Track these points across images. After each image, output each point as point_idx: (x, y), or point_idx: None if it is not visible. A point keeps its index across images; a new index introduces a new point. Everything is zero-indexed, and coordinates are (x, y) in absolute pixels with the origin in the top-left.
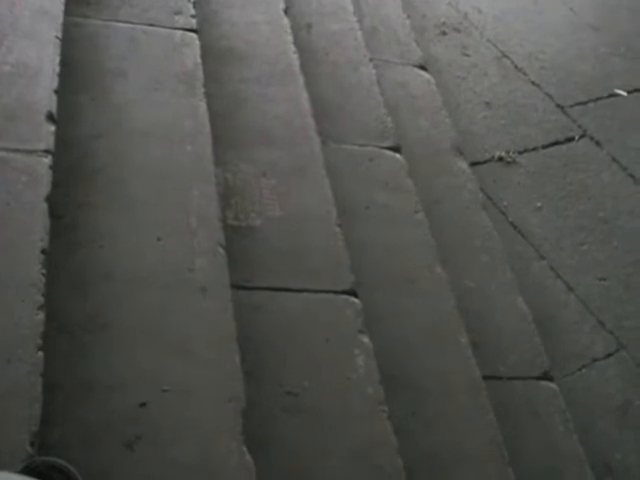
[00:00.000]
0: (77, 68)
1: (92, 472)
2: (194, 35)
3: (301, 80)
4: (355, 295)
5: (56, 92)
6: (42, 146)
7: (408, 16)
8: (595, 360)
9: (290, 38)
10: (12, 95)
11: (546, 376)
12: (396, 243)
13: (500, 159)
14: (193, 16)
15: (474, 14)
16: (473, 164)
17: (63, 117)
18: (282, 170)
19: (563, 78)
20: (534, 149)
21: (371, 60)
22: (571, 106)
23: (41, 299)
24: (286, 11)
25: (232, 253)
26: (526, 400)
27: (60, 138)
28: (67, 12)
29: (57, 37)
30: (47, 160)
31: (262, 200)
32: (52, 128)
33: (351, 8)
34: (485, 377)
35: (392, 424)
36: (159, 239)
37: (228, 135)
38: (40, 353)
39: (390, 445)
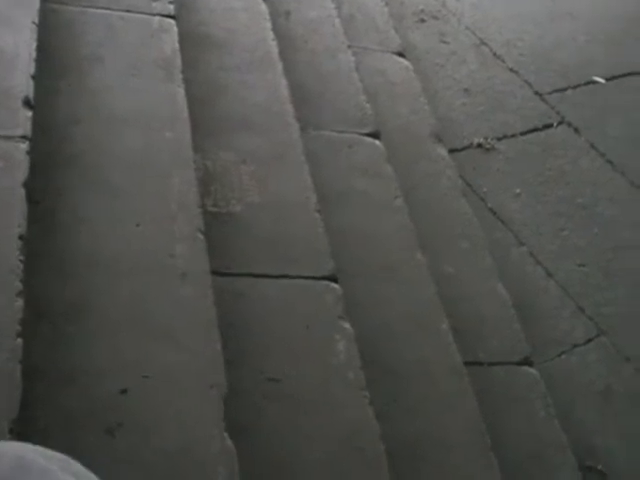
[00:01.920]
0: (54, 54)
1: (73, 458)
2: (172, 21)
3: (280, 67)
4: (335, 281)
5: (33, 77)
6: (19, 132)
7: (386, 3)
8: (575, 346)
9: (269, 25)
10: None
11: (526, 362)
12: (376, 229)
13: (479, 146)
14: (171, 2)
15: (452, 2)
16: (452, 151)
17: (40, 103)
18: (261, 157)
19: (541, 65)
20: (513, 136)
21: (349, 47)
22: (549, 93)
23: (20, 285)
24: None
25: (212, 240)
26: (507, 386)
27: (37, 124)
28: None
29: (34, 22)
30: (24, 146)
31: (242, 187)
32: (29, 114)
33: None
34: (466, 363)
35: (374, 410)
36: (138, 225)
37: (207, 122)
38: (19, 340)
39: (372, 431)
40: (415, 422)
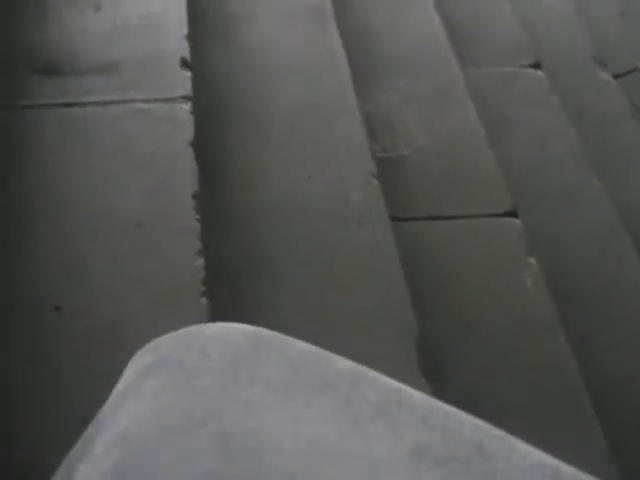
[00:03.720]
0: (204, 14)
1: None
2: None
3: (430, 3)
4: (516, 216)
5: (187, 38)
6: (180, 92)
7: None
8: None
9: None
10: (144, 46)
11: None
12: (548, 159)
13: None
14: None
15: None
16: (615, 76)
17: (196, 63)
18: (424, 97)
19: None
20: None
21: None
22: None
23: (199, 244)
24: None
25: (384, 185)
26: None
27: (196, 83)
28: None
29: None
30: (187, 106)
31: (408, 129)
32: (188, 74)
33: None
34: None
35: (570, 346)
36: (310, 176)
37: (363, 66)
38: (204, 300)
39: (570, 367)
40: (613, 354)
